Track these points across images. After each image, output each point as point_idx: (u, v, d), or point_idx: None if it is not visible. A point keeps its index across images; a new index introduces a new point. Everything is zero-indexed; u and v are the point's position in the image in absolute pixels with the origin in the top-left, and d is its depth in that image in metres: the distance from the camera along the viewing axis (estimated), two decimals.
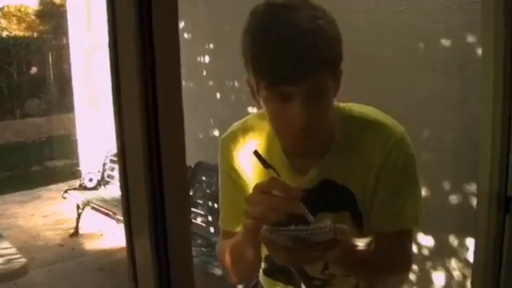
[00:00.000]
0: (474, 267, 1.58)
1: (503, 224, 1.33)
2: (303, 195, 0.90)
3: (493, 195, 1.32)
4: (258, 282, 1.31)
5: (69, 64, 6.21)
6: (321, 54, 0.91)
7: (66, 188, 5.31)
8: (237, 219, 0.98)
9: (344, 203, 1.09)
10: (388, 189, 1.07)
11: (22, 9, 12.22)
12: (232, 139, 1.16)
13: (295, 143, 1.02)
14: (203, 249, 3.34)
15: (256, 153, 0.93)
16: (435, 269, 2.37)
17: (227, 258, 1.10)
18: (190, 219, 3.64)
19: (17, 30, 11.95)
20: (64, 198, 5.08)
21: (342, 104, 1.10)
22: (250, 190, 0.94)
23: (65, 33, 6.80)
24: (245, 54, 0.95)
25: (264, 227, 0.84)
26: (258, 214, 0.87)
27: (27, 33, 11.77)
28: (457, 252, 2.25)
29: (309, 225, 0.85)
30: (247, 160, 1.10)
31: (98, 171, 5.10)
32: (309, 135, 0.97)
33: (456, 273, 2.27)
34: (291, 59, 0.89)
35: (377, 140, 1.05)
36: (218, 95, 3.57)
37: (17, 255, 3.27)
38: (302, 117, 0.93)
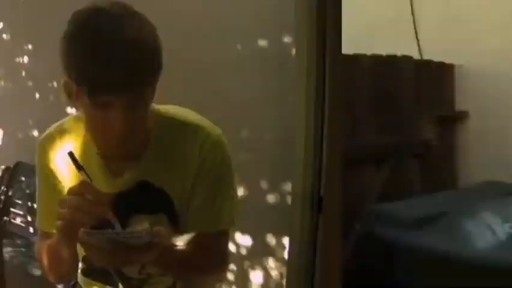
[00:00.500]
0: (289, 265, 1.61)
1: (317, 224, 1.37)
2: (115, 199, 0.96)
3: (306, 195, 1.35)
4: (77, 282, 1.25)
5: None
6: (142, 65, 0.90)
7: None
8: (53, 220, 0.93)
9: (160, 205, 1.08)
10: (205, 192, 1.06)
11: None
12: (49, 141, 1.13)
13: (111, 149, 1.01)
14: (23, 249, 3.08)
15: (70, 154, 0.93)
16: (253, 268, 2.39)
17: (44, 259, 1.10)
18: (10, 219, 3.41)
19: None
20: None
21: (158, 106, 1.05)
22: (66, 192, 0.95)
23: None
24: (64, 59, 0.90)
25: (82, 229, 0.86)
26: (67, 216, 0.88)
27: None
28: (274, 251, 2.30)
29: (125, 229, 0.88)
30: (64, 162, 1.07)
31: None
32: (126, 142, 0.97)
33: (274, 273, 2.32)
34: (112, 69, 0.87)
35: (193, 143, 1.04)
36: (37, 96, 3.35)
37: None
38: (120, 126, 0.92)
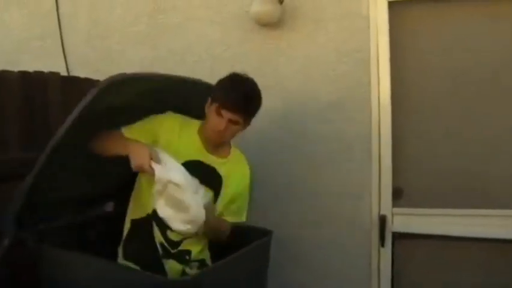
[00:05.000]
0: None
1: None
2: (197, 167, 1.96)
3: None
4: None
5: None
6: (251, 108, 1.99)
7: None
8: (135, 136, 1.90)
9: (214, 185, 2.01)
10: (238, 194, 2.08)
11: None
12: (176, 117, 2.04)
13: (211, 138, 1.98)
14: None
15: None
16: None
17: (107, 138, 1.91)
18: None
19: None
20: None
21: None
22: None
23: None
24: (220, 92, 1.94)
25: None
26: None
27: None
28: None
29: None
30: (168, 132, 1.98)
31: None
32: (219, 138, 1.98)
33: None
34: (240, 101, 1.93)
35: (244, 168, 2.15)
36: None
37: None
38: (223, 128, 1.93)
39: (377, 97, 2.57)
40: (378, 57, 2.56)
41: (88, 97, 1.69)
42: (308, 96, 2.64)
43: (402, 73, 2.59)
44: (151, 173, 1.75)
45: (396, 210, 2.58)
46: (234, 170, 2.07)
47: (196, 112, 2.04)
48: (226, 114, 1.90)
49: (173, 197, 1.77)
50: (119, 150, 1.82)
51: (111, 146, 1.87)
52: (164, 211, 1.81)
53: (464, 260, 2.55)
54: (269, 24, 2.63)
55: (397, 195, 2.60)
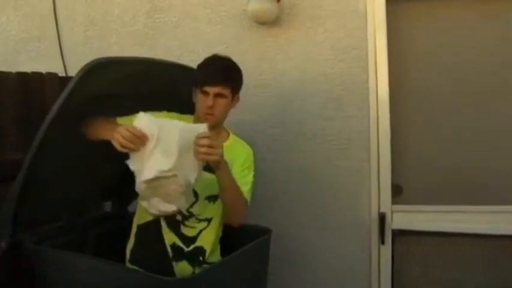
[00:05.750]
0: None
1: None
2: None
3: None
4: None
5: None
6: (225, 78, 1.99)
7: None
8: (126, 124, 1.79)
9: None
10: (241, 173, 2.03)
11: None
12: (172, 115, 2.01)
13: (203, 116, 1.98)
14: None
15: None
16: None
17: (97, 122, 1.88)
18: None
19: None
20: None
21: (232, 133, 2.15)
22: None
23: None
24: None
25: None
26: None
27: None
28: None
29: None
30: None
31: None
32: (210, 113, 1.98)
33: None
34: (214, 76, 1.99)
35: (247, 150, 2.13)
36: None
37: None
38: (210, 103, 1.96)
39: (375, 94, 2.57)
40: (376, 54, 2.56)
41: (70, 85, 1.69)
42: (306, 94, 2.64)
43: (401, 70, 2.58)
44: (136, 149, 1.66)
45: (396, 207, 2.58)
46: (237, 152, 2.05)
47: (184, 96, 2.06)
48: (211, 89, 1.95)
49: (165, 187, 1.69)
50: (107, 135, 1.76)
51: (101, 130, 1.84)
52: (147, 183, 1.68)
53: (464, 257, 2.55)
54: (267, 22, 2.63)
55: (396, 192, 2.60)
